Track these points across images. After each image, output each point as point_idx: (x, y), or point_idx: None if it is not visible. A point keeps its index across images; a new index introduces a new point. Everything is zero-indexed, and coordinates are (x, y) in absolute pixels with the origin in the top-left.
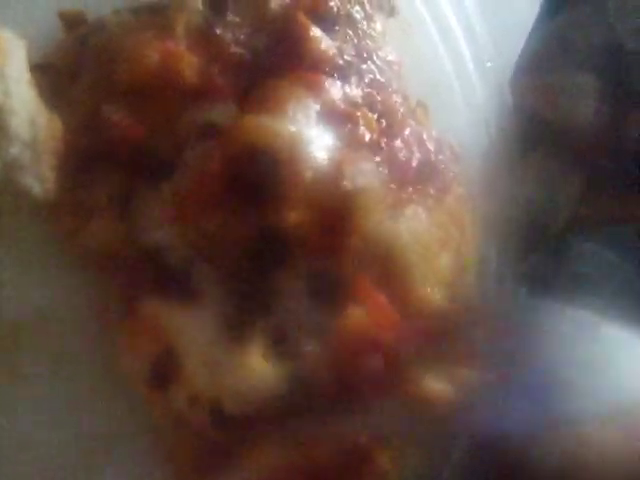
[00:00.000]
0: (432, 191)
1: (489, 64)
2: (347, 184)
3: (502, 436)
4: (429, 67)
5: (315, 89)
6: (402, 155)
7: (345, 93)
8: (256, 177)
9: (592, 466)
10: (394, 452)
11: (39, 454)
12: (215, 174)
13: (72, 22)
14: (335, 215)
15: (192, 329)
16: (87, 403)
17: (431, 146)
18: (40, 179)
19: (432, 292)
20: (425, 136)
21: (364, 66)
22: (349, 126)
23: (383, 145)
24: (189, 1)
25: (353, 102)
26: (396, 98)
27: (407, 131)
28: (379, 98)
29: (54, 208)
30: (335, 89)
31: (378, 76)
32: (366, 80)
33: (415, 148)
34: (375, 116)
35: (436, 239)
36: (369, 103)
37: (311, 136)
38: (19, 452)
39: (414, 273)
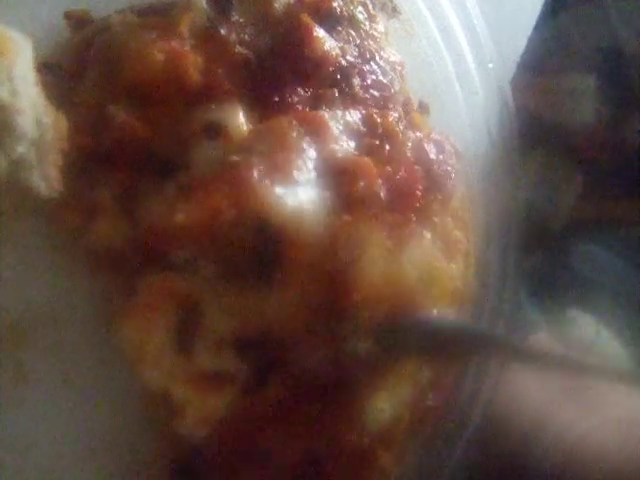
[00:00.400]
0: (436, 205)
1: (490, 65)
2: (343, 255)
3: (502, 435)
4: (431, 68)
5: (318, 132)
6: (407, 186)
7: (346, 122)
8: (260, 244)
9: (590, 466)
10: (397, 452)
11: (43, 453)
12: (223, 224)
13: (78, 22)
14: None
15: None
16: (91, 403)
17: (433, 152)
18: (46, 178)
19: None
20: (426, 145)
21: (367, 67)
22: (348, 181)
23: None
24: (194, 2)
25: (356, 141)
26: (394, 112)
27: (409, 151)
28: (379, 120)
29: (59, 207)
30: (336, 125)
31: (380, 77)
32: (369, 81)
33: (419, 167)
34: (377, 142)
35: (443, 253)
36: (371, 128)
37: (311, 200)
38: (23, 451)
39: (424, 302)
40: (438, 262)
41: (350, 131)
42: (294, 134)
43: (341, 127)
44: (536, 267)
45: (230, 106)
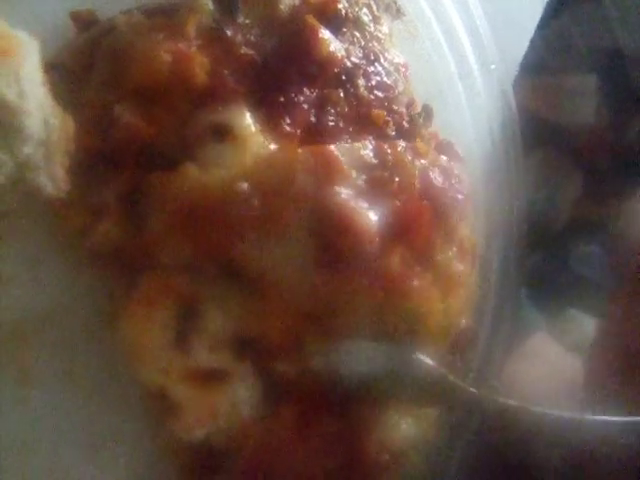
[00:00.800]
0: (440, 240)
1: (493, 66)
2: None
3: (505, 436)
4: (434, 69)
5: (327, 168)
6: (414, 222)
7: (358, 156)
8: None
9: (594, 466)
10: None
11: (45, 453)
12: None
13: (83, 22)
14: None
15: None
16: (94, 403)
17: (439, 181)
18: (52, 178)
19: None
20: (431, 174)
21: (371, 68)
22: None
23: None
24: (200, 3)
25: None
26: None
27: (417, 183)
28: (389, 151)
29: (64, 207)
30: (347, 160)
31: (385, 78)
32: (373, 82)
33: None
34: (387, 174)
35: (441, 290)
36: (381, 160)
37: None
38: (26, 450)
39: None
40: (432, 302)
41: (362, 165)
42: (302, 177)
43: (353, 162)
44: (536, 267)
45: (236, 107)
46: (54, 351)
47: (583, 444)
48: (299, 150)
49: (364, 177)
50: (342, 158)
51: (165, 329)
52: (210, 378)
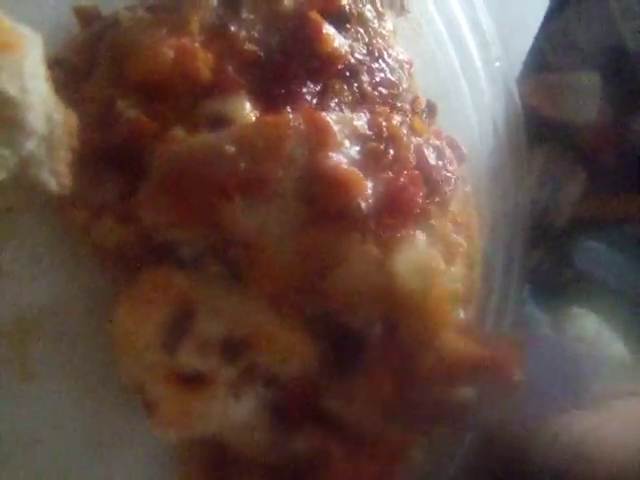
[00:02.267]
0: (434, 208)
1: (497, 64)
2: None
3: (505, 432)
4: (438, 66)
5: (320, 136)
6: (407, 193)
7: (352, 126)
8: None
9: (593, 464)
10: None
11: (49, 447)
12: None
13: (86, 17)
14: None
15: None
16: (97, 399)
17: (432, 158)
18: (55, 174)
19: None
20: (426, 150)
21: (375, 64)
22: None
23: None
24: None
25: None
26: (398, 115)
27: (411, 156)
28: (384, 124)
29: (67, 202)
30: (341, 129)
31: (389, 74)
32: (377, 79)
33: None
34: (382, 146)
35: (442, 255)
36: (377, 132)
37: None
38: (29, 445)
39: (426, 308)
40: (436, 264)
41: (356, 135)
42: (292, 142)
43: (347, 131)
44: (539, 264)
45: (237, 98)
46: (56, 346)
47: None
48: (290, 115)
49: (357, 148)
50: (335, 126)
51: (158, 327)
52: (191, 381)
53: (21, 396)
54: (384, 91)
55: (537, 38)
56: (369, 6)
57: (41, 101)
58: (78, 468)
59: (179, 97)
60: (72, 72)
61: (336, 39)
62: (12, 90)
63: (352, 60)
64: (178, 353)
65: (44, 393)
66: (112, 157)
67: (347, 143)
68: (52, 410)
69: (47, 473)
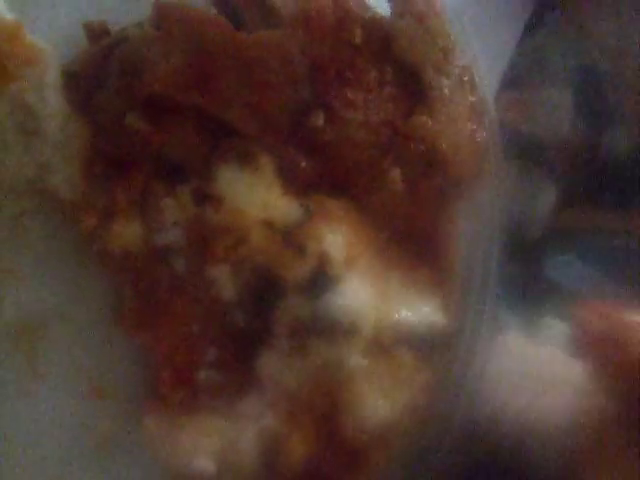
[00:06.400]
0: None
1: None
2: None
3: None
4: None
5: None
6: None
7: None
8: None
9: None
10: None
11: (53, 446)
12: None
13: (95, 33)
14: None
15: None
16: (100, 402)
17: None
18: (69, 181)
19: None
20: None
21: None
22: None
23: None
24: None
25: None
26: None
27: None
28: None
29: (78, 208)
30: None
31: None
32: None
33: None
34: None
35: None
36: None
37: None
38: (34, 443)
39: None
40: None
41: None
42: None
43: None
44: (513, 276)
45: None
46: (62, 347)
47: None
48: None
49: None
50: None
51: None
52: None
53: (27, 395)
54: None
55: (512, 57)
56: None
57: (57, 112)
58: (80, 468)
59: (185, 111)
60: (83, 84)
61: None
62: (33, 101)
63: None
64: None
65: (50, 393)
66: (121, 165)
67: None
68: (57, 409)
69: (49, 472)
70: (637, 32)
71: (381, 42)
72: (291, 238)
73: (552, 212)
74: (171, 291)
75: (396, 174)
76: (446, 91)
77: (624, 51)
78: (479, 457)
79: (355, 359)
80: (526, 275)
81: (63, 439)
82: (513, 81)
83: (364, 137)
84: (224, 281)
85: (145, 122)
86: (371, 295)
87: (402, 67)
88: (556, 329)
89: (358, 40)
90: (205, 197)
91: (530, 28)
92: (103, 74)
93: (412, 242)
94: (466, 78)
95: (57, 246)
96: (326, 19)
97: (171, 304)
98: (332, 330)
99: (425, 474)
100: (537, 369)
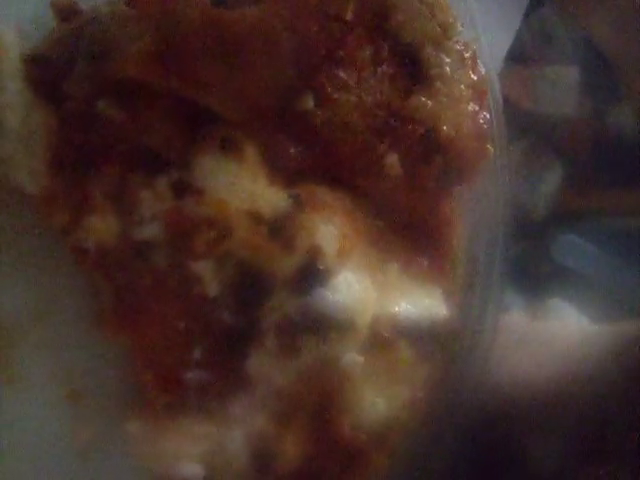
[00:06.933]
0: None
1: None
2: None
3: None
4: None
5: None
6: None
7: None
8: None
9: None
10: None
11: (32, 452)
12: None
13: (64, 13)
14: None
15: None
16: (84, 406)
17: None
18: (34, 175)
19: None
20: None
21: None
22: None
23: None
24: None
25: None
26: None
27: None
28: None
29: (47, 204)
30: None
31: None
32: None
33: None
34: None
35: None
36: None
37: None
38: (15, 450)
39: None
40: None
41: None
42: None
43: None
44: (518, 257)
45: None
46: (42, 351)
47: None
48: None
49: None
50: None
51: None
52: None
53: (4, 399)
54: None
55: (517, 33)
56: None
57: (19, 100)
58: (60, 476)
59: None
60: (51, 70)
61: None
62: None
63: None
64: None
65: (26, 398)
66: (93, 156)
67: None
68: (34, 415)
69: (26, 478)
70: None
71: (375, 17)
72: (279, 230)
73: (557, 192)
74: (152, 288)
75: (393, 159)
76: (447, 69)
77: (630, 26)
78: (482, 454)
79: (350, 356)
80: (531, 255)
81: (41, 447)
82: (518, 58)
83: (358, 120)
84: (208, 277)
85: (118, 109)
86: (367, 288)
87: (398, 44)
88: (561, 310)
89: (350, 15)
90: (185, 188)
91: (535, 3)
92: (72, 58)
93: (411, 231)
94: (468, 55)
95: (30, 245)
96: None
97: (152, 302)
98: (325, 327)
99: (426, 473)
100: (542, 350)
